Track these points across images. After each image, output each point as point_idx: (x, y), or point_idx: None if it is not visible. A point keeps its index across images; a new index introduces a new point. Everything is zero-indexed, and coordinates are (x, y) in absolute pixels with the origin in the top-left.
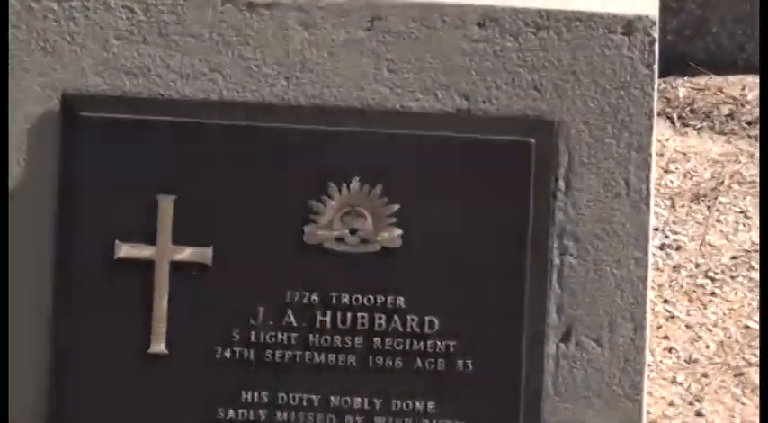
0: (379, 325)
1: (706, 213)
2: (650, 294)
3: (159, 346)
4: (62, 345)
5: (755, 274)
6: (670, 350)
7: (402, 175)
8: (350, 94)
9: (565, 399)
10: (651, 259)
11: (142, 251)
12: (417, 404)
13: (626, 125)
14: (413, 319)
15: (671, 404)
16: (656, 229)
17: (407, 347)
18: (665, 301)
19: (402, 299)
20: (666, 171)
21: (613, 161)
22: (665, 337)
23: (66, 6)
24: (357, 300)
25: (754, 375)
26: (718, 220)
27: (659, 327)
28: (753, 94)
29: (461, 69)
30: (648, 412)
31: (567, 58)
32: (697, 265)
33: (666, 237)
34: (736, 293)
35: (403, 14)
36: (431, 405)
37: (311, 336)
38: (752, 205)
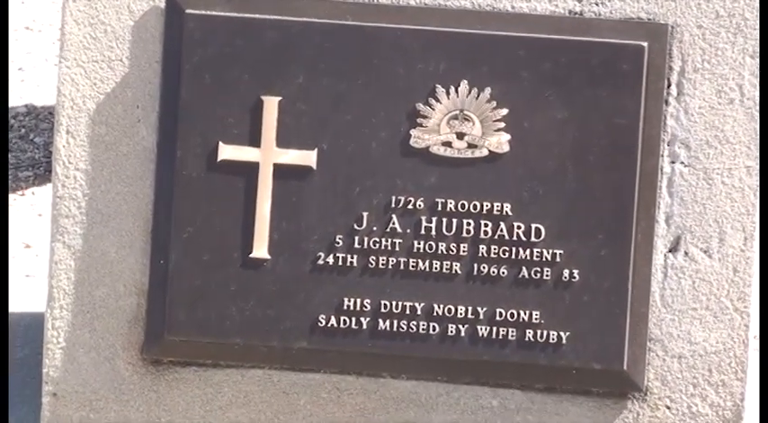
0: (485, 232)
1: None
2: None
3: (261, 251)
4: (163, 249)
5: None
6: None
7: (511, 79)
8: None
9: (672, 310)
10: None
11: (246, 153)
12: (522, 313)
13: (740, 29)
14: (519, 227)
15: None
16: None
17: (513, 255)
18: None
19: (509, 206)
20: None
21: (727, 67)
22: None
23: None
24: (463, 206)
25: None
26: None
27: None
28: None
29: None
30: None
31: None
32: None
33: None
34: None
35: None
36: (536, 314)
37: (416, 242)
38: None
